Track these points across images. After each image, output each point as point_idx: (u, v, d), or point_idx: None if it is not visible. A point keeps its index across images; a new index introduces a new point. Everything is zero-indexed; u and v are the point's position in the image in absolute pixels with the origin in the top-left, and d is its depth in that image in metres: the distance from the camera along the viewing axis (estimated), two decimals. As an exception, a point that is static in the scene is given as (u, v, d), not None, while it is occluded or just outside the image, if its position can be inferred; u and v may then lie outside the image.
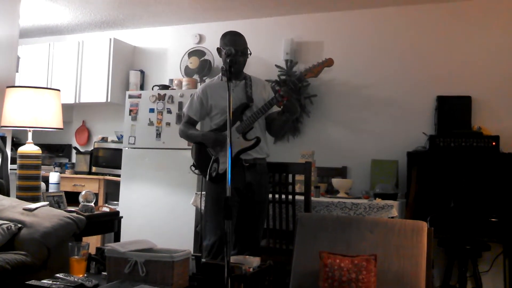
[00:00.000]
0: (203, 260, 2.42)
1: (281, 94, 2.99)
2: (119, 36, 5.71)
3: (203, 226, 3.23)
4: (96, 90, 5.47)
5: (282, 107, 3.02)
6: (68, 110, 5.78)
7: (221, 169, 3.06)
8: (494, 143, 3.91)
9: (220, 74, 3.23)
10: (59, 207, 3.46)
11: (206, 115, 3.26)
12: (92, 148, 5.58)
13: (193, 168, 3.26)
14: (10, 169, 3.84)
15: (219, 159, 3.09)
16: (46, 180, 3.82)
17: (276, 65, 4.90)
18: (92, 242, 4.44)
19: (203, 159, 3.16)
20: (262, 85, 3.28)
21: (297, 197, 3.42)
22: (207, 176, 3.11)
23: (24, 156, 3.49)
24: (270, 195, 3.37)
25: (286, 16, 5.08)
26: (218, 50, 3.14)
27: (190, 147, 3.39)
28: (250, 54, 3.16)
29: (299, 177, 3.57)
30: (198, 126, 3.42)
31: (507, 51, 4.30)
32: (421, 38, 4.58)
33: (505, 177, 3.81)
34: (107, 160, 5.34)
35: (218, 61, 5.13)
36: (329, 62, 3.06)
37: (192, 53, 5.30)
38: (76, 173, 5.48)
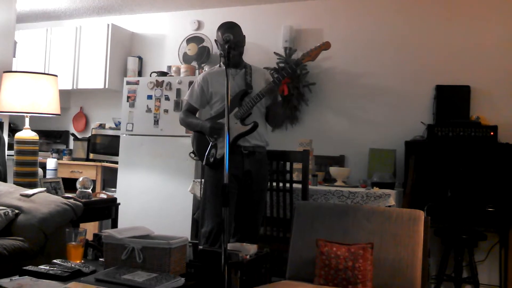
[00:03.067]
0: (200, 247, 2.43)
1: (279, 77, 3.01)
2: (117, 21, 5.67)
3: (202, 212, 3.24)
4: (93, 76, 5.44)
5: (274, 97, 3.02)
6: (65, 96, 5.75)
7: (218, 154, 3.07)
8: (492, 133, 3.90)
9: (221, 62, 3.27)
10: (56, 193, 3.46)
11: (207, 103, 3.27)
12: (89, 134, 5.57)
13: (192, 155, 3.28)
14: (7, 155, 3.83)
15: (217, 144, 3.10)
16: (43, 166, 3.82)
17: (275, 53, 4.87)
18: (90, 228, 4.44)
19: (202, 146, 3.17)
20: (262, 73, 3.30)
21: (294, 185, 3.42)
22: (204, 161, 3.13)
23: (21, 142, 3.48)
24: (268, 183, 3.37)
25: (286, 3, 5.04)
26: (216, 42, 3.17)
27: (188, 134, 3.39)
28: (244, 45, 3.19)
29: (297, 166, 3.57)
30: (197, 114, 3.43)
31: (507, 41, 4.28)
32: (420, 26, 4.55)
33: (503, 167, 3.81)
34: (105, 146, 5.34)
35: (216, 48, 5.08)
36: (326, 45, 3.06)
37: (190, 40, 5.27)
38: (74, 159, 5.47)
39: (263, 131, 3.18)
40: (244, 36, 3.18)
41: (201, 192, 3.26)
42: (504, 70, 4.26)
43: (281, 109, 3.25)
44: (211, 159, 3.09)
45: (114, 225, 3.73)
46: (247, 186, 3.10)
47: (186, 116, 3.29)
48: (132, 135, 4.89)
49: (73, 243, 2.38)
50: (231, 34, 2.99)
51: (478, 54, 4.35)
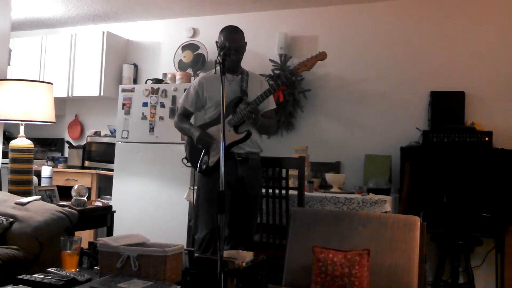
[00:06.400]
0: (196, 254, 2.42)
1: (274, 86, 3.02)
2: (112, 29, 5.67)
3: (195, 219, 3.23)
4: (89, 84, 5.43)
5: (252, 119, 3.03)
6: (60, 103, 5.75)
7: (211, 162, 3.06)
8: (487, 139, 3.92)
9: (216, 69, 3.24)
10: (51, 201, 3.44)
11: (202, 107, 3.26)
12: (85, 142, 5.55)
13: (185, 160, 3.27)
14: (2, 163, 3.81)
15: (210, 152, 3.09)
16: (38, 174, 3.79)
17: (270, 60, 4.89)
18: (85, 236, 4.43)
19: (195, 152, 3.16)
20: (259, 81, 3.28)
21: (290, 191, 3.42)
22: (197, 168, 3.11)
23: (16, 150, 3.46)
24: (264, 190, 3.37)
25: (281, 10, 5.06)
26: (216, 43, 3.14)
27: (183, 141, 3.38)
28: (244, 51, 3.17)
29: (293, 172, 3.57)
30: (192, 119, 3.42)
31: (501, 47, 4.30)
32: (415, 33, 4.57)
33: (498, 172, 3.82)
34: (100, 154, 5.32)
35: (212, 55, 5.10)
36: (322, 56, 3.07)
37: (185, 47, 5.28)
38: (69, 167, 5.45)
39: (257, 138, 3.17)
40: (245, 43, 3.17)
41: (194, 198, 3.25)
42: (498, 76, 4.29)
43: (273, 120, 3.29)
44: (204, 166, 3.08)
45: (110, 233, 3.71)
46: (240, 193, 3.10)
47: (180, 120, 3.30)
48: (127, 142, 4.88)
49: (68, 251, 2.36)
50: (232, 39, 2.99)
51: (473, 60, 4.37)
